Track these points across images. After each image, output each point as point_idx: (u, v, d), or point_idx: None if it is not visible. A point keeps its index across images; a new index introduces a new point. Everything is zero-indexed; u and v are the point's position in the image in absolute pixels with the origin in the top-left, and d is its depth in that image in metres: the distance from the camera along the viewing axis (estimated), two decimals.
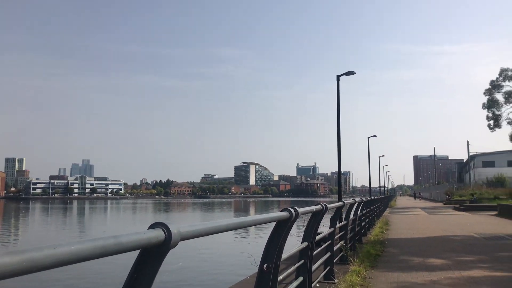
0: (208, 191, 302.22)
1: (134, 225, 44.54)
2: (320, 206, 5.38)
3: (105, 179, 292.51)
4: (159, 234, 1.66)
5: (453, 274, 7.77)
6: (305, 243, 5.32)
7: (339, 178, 15.22)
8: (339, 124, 14.51)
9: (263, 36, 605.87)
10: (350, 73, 14.58)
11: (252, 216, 2.76)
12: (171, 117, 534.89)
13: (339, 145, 14.77)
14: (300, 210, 3.97)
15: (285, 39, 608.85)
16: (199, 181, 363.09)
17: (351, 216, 11.31)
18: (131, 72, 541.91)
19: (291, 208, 3.83)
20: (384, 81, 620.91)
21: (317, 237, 7.05)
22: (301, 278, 5.24)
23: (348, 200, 10.40)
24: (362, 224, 14.48)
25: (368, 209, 16.45)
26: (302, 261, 5.32)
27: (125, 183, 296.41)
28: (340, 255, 8.93)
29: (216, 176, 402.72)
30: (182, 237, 1.79)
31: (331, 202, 7.23)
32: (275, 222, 3.79)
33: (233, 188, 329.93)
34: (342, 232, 9.45)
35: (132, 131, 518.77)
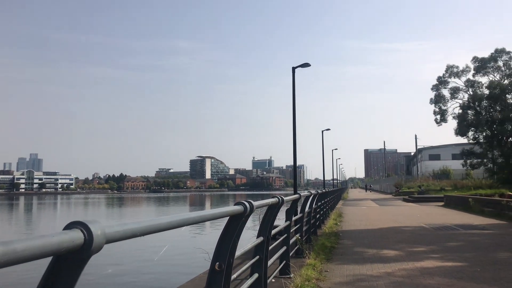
0: (163, 186, 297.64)
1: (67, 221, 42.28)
2: (276, 199, 5.14)
3: (54, 173, 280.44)
4: (75, 236, 1.29)
5: (407, 266, 7.80)
6: (261, 238, 5.07)
7: (295, 171, 15.14)
8: (294, 116, 14.41)
9: (221, 28, 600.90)
10: (306, 65, 14.47)
11: (201, 211, 2.34)
12: (124, 110, 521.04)
13: (295, 136, 14.67)
14: (255, 203, 3.70)
15: (243, 31, 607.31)
16: (153, 175, 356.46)
17: (307, 208, 11.22)
18: (83, 64, 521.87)
19: (246, 201, 3.57)
20: (338, 76, 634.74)
21: (273, 231, 6.85)
22: (256, 275, 4.98)
23: (304, 193, 10.28)
24: (317, 216, 14.50)
25: (322, 202, 16.53)
26: (258, 257, 5.07)
27: (76, 178, 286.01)
28: (295, 248, 8.79)
29: (171, 170, 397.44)
30: (108, 239, 1.42)
31: (286, 195, 7.02)
32: (228, 217, 3.49)
33: (188, 182, 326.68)
34: (298, 225, 9.32)
35: (84, 124, 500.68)
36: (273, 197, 5.13)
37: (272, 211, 5.18)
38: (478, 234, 12.58)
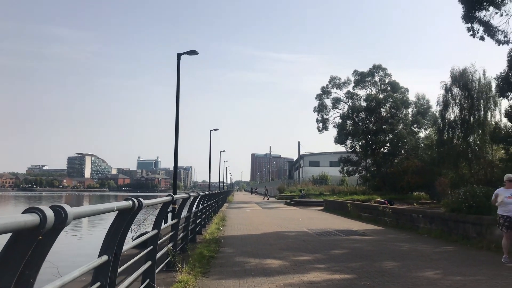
0: (35, 184, 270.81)
1: None
2: (129, 202, 3.68)
3: None
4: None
5: (292, 279, 6.87)
6: (104, 257, 3.56)
7: (175, 171, 13.63)
8: (178, 106, 12.98)
9: (109, 17, 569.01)
10: (193, 52, 13.13)
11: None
12: None
13: (177, 127, 13.19)
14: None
15: (133, 24, 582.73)
16: (24, 172, 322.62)
17: (184, 213, 9.85)
18: None
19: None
20: (228, 80, 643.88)
21: (138, 240, 5.35)
22: None
23: (181, 195, 8.91)
24: (198, 221, 13.19)
25: (205, 204, 15.28)
26: (98, 283, 3.55)
27: None
28: (166, 261, 7.35)
29: (46, 167, 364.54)
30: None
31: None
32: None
33: (64, 180, 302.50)
34: (172, 232, 7.90)
35: None
36: (126, 199, 3.67)
37: (123, 216, 3.71)
38: (360, 240, 12.41)
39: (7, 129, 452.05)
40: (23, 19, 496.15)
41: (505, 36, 18.64)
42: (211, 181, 54.68)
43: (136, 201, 3.71)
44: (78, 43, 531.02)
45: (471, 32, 18.31)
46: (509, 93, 19.69)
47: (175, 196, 6.16)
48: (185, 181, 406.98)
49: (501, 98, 20.91)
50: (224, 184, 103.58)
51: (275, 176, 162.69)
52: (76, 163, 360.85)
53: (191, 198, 10.10)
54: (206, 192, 14.04)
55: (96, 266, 3.43)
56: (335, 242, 11.94)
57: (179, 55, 12.97)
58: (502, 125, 22.94)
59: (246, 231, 14.83)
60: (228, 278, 7.03)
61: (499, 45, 18.71)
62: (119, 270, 3.92)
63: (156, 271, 6.36)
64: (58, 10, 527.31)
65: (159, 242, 6.73)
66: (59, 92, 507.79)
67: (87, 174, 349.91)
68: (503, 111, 22.52)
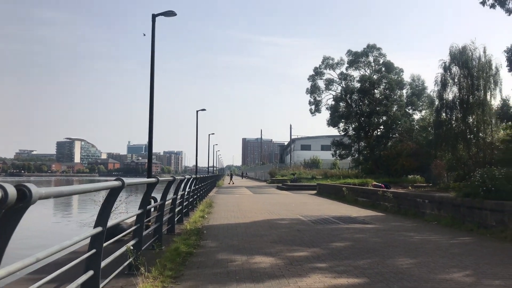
0: (23, 169, 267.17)
1: None
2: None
3: None
4: None
5: (287, 286, 5.36)
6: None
7: (150, 152, 11.99)
8: (152, 77, 11.30)
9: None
10: (170, 13, 11.29)
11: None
12: None
13: (152, 103, 11.51)
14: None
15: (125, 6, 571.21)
16: (12, 157, 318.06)
17: (155, 201, 8.31)
18: None
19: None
20: (219, 64, 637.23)
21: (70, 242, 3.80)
22: None
23: (163, 178, 7.35)
24: (178, 209, 11.64)
25: (188, 190, 13.72)
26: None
27: None
28: (127, 263, 5.79)
29: (34, 152, 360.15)
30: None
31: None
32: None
33: (53, 165, 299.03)
34: (136, 226, 6.34)
35: None
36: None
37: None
38: (362, 229, 10.94)
39: None
40: None
41: None
42: (202, 165, 53.10)
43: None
44: (66, 25, 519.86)
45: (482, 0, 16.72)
46: None
47: (127, 181, 4.55)
48: (176, 166, 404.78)
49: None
50: (214, 168, 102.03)
51: (267, 160, 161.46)
52: (65, 148, 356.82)
53: (167, 183, 8.53)
54: (187, 176, 12.45)
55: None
56: (334, 232, 10.46)
57: (153, 16, 11.20)
58: (511, 102, 21.42)
59: (233, 219, 13.32)
60: (205, 284, 5.50)
61: (509, 14, 17.18)
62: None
63: (107, 281, 4.81)
64: None
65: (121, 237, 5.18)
66: (46, 75, 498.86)
67: (77, 159, 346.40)
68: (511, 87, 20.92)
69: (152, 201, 8.25)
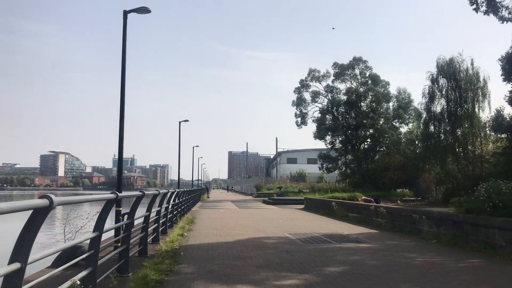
0: (6, 182, 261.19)
1: None
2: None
3: None
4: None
5: None
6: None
7: (120, 163, 10.82)
8: (123, 75, 10.25)
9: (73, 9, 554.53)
10: (143, 10, 10.29)
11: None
12: None
13: (123, 104, 10.41)
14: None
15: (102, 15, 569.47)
16: None
17: (123, 220, 7.19)
18: None
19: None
20: (206, 78, 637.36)
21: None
22: None
23: (131, 193, 6.28)
24: (152, 227, 10.49)
25: (165, 205, 12.57)
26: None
27: None
28: None
29: (17, 166, 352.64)
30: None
31: None
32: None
33: (36, 179, 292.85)
34: (91, 252, 5.18)
35: None
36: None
37: None
38: (356, 249, 9.90)
39: None
40: None
41: (509, 13, 16.55)
42: (187, 178, 51.76)
43: None
44: (47, 37, 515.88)
45: (475, 6, 16.10)
46: None
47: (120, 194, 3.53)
48: (162, 179, 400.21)
49: (506, 82, 18.74)
50: (201, 182, 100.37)
51: (253, 174, 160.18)
52: (49, 161, 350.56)
53: (135, 199, 7.41)
54: (166, 190, 11.31)
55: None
56: (326, 253, 9.40)
57: (125, 12, 10.19)
58: (505, 113, 20.78)
59: (215, 238, 12.17)
60: None
61: (502, 22, 16.61)
62: None
63: None
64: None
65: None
66: (30, 87, 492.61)
67: (61, 172, 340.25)
68: (507, 95, 20.22)
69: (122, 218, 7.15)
